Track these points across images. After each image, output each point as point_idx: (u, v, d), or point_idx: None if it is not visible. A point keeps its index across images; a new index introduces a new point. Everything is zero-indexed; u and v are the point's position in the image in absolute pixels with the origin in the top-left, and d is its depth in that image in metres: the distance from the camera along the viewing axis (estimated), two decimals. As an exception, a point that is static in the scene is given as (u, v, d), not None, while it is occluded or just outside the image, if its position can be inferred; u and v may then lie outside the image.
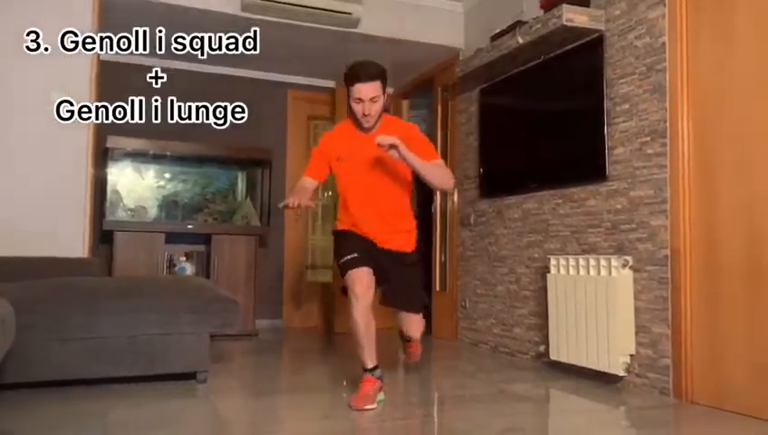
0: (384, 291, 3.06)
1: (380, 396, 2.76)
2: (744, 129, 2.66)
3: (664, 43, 3.03)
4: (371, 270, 2.83)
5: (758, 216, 2.58)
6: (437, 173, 2.83)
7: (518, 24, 3.82)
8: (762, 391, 2.54)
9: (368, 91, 2.76)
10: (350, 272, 2.81)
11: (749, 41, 2.65)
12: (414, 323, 3.19)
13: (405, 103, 6.05)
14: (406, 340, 3.37)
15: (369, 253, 2.87)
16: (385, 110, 2.89)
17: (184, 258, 5.18)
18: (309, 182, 2.97)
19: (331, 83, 5.77)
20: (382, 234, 2.92)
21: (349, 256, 2.84)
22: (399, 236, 2.97)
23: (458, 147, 4.90)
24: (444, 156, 5.19)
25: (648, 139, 3.10)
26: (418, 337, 3.28)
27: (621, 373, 3.09)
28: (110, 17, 4.21)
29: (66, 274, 3.28)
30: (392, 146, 2.59)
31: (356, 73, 2.78)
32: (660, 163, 3.03)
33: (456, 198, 4.92)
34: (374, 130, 2.87)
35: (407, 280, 3.04)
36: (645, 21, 3.15)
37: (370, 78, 2.77)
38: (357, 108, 2.80)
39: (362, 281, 2.78)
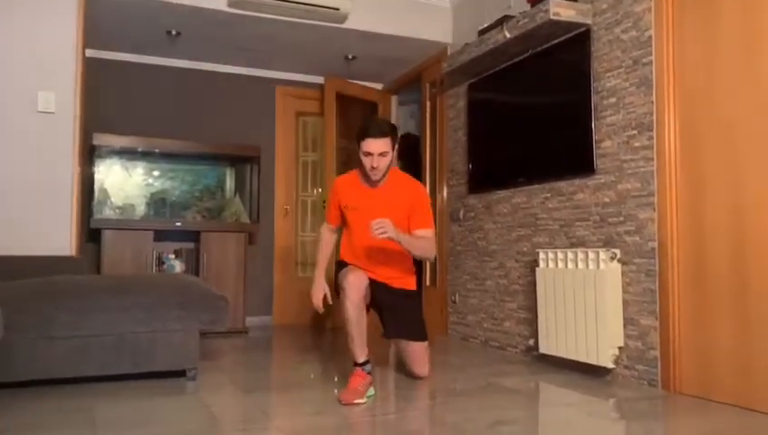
0: (384, 321, 3.18)
1: (371, 391, 2.77)
2: (729, 121, 2.67)
3: (650, 37, 3.04)
4: (368, 278, 2.98)
5: (743, 208, 2.59)
6: (420, 247, 3.02)
7: (505, 18, 3.82)
8: (747, 382, 2.56)
9: (377, 146, 2.91)
10: (345, 269, 2.98)
11: (734, 33, 2.67)
12: (418, 355, 3.16)
13: (393, 99, 6.05)
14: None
15: (369, 279, 3.02)
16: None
17: (173, 256, 5.15)
18: (329, 231, 3.28)
19: (319, 79, 5.75)
20: (382, 277, 3.10)
21: (348, 266, 3.04)
22: (398, 279, 3.15)
23: (447, 142, 4.90)
24: (432, 152, 5.22)
25: (635, 132, 3.12)
26: (426, 373, 3.19)
27: (610, 366, 3.11)
28: (96, 14, 4.17)
29: (53, 273, 3.25)
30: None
31: (366, 129, 2.95)
32: (647, 156, 3.04)
33: (445, 193, 4.92)
34: (382, 184, 3.05)
35: (405, 308, 3.17)
36: (631, 14, 3.16)
37: (380, 134, 2.92)
38: (366, 161, 2.95)
39: (357, 275, 2.90)
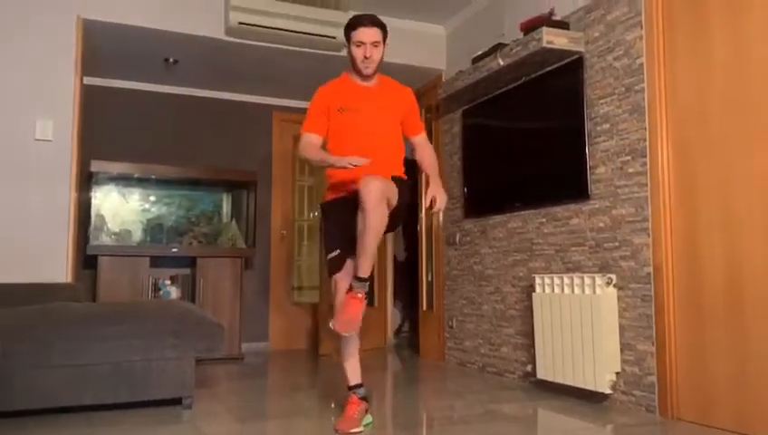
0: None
1: (367, 419, 2.75)
2: (722, 147, 2.71)
3: (642, 64, 3.09)
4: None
5: (737, 232, 2.62)
6: (435, 159, 3.02)
7: (499, 46, 3.88)
8: (745, 406, 2.56)
9: (370, 34, 2.78)
10: (335, 278, 2.80)
11: (725, 59, 2.71)
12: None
13: (389, 124, 6.09)
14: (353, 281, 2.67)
15: (353, 235, 2.62)
16: None
17: (169, 282, 5.15)
18: (316, 139, 2.86)
19: (315, 105, 5.79)
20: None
21: (333, 254, 2.80)
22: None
23: (442, 167, 4.91)
24: (428, 176, 5.23)
25: (629, 158, 3.15)
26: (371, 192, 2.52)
27: (608, 391, 3.10)
28: (94, 42, 4.21)
29: (50, 300, 3.24)
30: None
31: (358, 19, 2.81)
32: (641, 182, 3.07)
33: (441, 217, 4.94)
34: (374, 82, 2.90)
35: None
36: (623, 42, 3.21)
37: (372, 24, 2.79)
38: (358, 52, 2.79)
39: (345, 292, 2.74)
